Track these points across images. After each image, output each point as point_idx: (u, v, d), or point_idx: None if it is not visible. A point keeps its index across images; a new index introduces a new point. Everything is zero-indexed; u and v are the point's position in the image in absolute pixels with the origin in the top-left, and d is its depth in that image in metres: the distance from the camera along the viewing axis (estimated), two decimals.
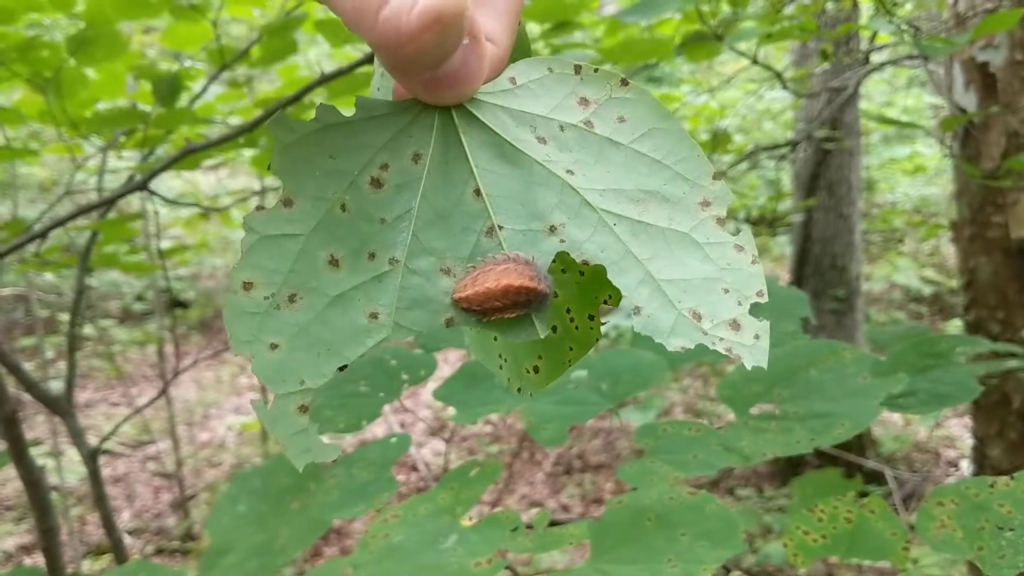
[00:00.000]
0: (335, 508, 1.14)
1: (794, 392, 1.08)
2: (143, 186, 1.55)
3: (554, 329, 0.50)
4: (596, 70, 0.47)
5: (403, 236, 0.45)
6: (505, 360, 0.53)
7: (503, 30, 0.46)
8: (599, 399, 1.18)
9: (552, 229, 0.45)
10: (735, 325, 0.44)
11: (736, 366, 1.21)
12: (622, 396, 1.18)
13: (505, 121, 0.46)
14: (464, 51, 0.42)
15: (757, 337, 0.44)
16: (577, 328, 0.50)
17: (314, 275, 0.44)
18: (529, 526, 0.95)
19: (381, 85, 0.53)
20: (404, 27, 0.39)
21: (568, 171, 0.46)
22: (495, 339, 0.54)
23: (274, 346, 0.44)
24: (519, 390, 0.52)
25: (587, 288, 0.49)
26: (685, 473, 0.99)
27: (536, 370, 0.52)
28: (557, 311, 0.50)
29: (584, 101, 0.46)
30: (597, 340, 0.50)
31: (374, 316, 0.44)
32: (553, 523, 0.96)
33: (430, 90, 0.44)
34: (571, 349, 0.51)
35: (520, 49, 0.51)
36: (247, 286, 0.44)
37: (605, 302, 0.49)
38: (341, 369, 0.44)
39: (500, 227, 0.45)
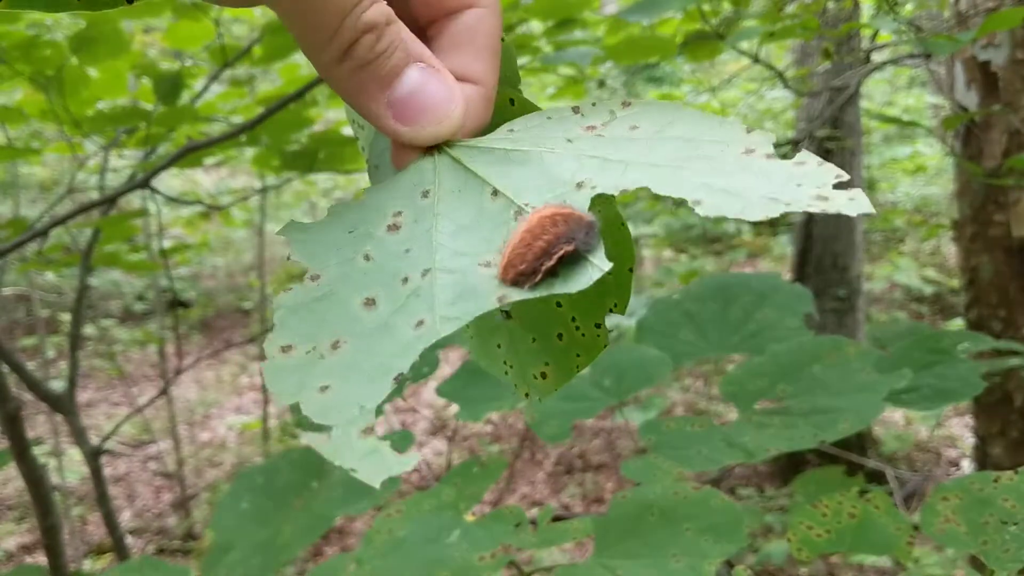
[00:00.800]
0: (338, 505, 1.14)
1: (798, 388, 1.08)
2: (145, 184, 1.55)
3: (560, 337, 0.50)
4: (594, 104, 0.46)
5: (429, 250, 0.43)
6: (511, 366, 0.52)
7: (485, 68, 0.46)
8: (603, 395, 1.18)
9: (579, 185, 0.42)
10: (822, 197, 0.39)
11: (738, 364, 1.20)
12: (626, 393, 1.18)
13: (506, 146, 0.45)
14: (422, 73, 0.43)
15: (852, 199, 0.39)
16: (584, 336, 0.49)
17: (353, 321, 0.42)
18: (533, 522, 0.95)
19: (379, 163, 0.54)
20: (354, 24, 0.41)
21: (585, 155, 0.44)
22: (499, 347, 0.52)
23: (324, 388, 0.41)
24: (527, 395, 0.51)
25: (593, 297, 0.47)
26: (689, 469, 0.99)
27: (544, 376, 0.51)
28: (562, 320, 0.49)
29: (590, 128, 0.45)
30: (604, 347, 0.49)
31: (420, 323, 0.41)
32: (557, 518, 0.96)
33: (400, 120, 0.44)
34: (578, 356, 0.50)
35: (509, 70, 0.50)
36: (285, 349, 0.42)
37: (611, 310, 0.48)
38: (396, 379, 0.41)
39: (527, 204, 0.43)
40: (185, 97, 1.92)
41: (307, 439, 0.41)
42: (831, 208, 0.38)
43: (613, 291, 0.47)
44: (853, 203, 0.38)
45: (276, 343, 0.42)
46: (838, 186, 0.40)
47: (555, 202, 0.42)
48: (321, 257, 0.44)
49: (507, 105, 0.51)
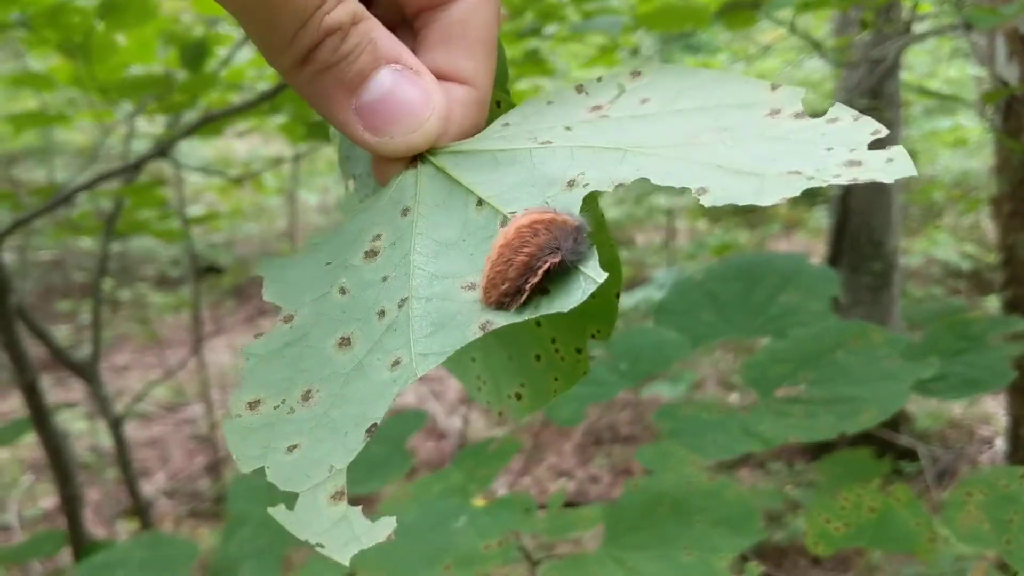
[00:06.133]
0: (353, 484, 1.13)
1: (820, 375, 1.05)
2: (163, 153, 1.54)
3: (538, 358, 0.46)
4: (600, 79, 0.42)
5: (406, 278, 0.38)
6: (484, 383, 0.49)
7: (478, 67, 0.41)
8: (619, 379, 1.16)
9: (571, 183, 0.37)
10: (853, 163, 0.34)
11: (762, 346, 1.18)
12: (642, 375, 1.16)
13: (497, 143, 0.40)
14: (393, 76, 0.38)
15: (890, 160, 0.34)
16: (563, 359, 0.45)
17: (326, 364, 0.38)
18: (543, 506, 0.94)
19: (358, 188, 0.50)
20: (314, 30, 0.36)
21: (579, 146, 0.39)
22: (473, 360, 0.49)
23: (292, 448, 0.37)
24: (500, 414, 0.48)
25: (575, 321, 0.44)
26: (704, 457, 0.97)
27: (519, 396, 0.47)
28: (542, 340, 0.45)
29: (595, 108, 0.41)
30: (584, 373, 0.45)
31: (396, 363, 0.37)
32: (569, 503, 0.94)
33: (369, 129, 0.39)
34: (556, 379, 0.45)
35: (497, 69, 0.45)
36: (252, 405, 0.38)
37: (593, 336, 0.44)
38: (369, 432, 0.37)
39: (512, 213, 0.38)
40: (212, 63, 1.91)
41: (271, 512, 0.36)
42: (863, 176, 0.34)
43: (597, 316, 0.44)
44: (891, 165, 0.34)
45: (242, 399, 0.38)
46: (875, 144, 0.35)
47: (540, 205, 0.37)
48: (295, 296, 0.40)
49: (493, 108, 0.46)
